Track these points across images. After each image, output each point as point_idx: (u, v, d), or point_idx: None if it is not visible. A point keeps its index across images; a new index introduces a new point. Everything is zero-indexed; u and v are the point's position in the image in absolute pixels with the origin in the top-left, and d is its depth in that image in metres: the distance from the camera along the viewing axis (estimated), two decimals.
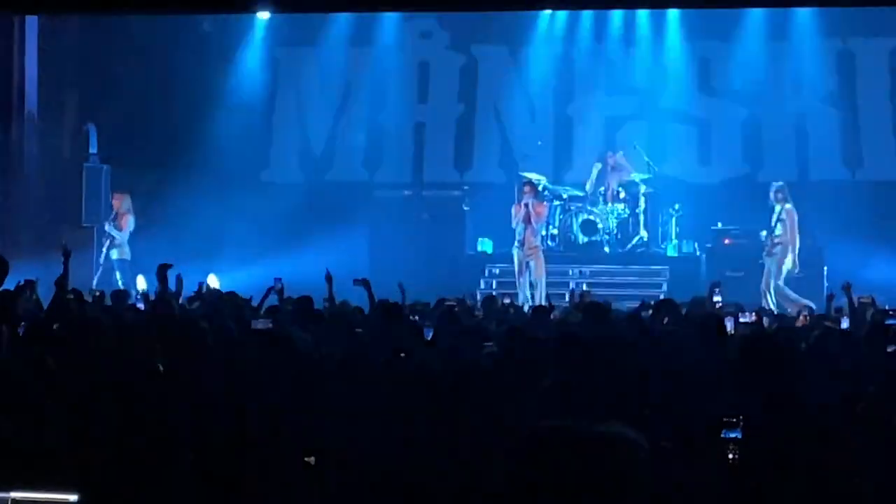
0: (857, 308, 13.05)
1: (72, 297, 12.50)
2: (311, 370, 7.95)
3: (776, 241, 20.19)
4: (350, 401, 7.33)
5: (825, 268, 21.47)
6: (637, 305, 14.81)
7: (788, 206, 20.33)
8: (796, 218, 20.35)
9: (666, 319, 12.05)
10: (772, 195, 20.43)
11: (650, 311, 13.97)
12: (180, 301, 13.25)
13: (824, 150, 22.94)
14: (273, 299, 13.65)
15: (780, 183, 20.70)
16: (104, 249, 21.55)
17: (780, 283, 20.01)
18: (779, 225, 20.19)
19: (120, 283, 20.81)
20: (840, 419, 6.73)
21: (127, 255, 21.71)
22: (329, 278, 13.58)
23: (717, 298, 15.31)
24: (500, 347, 9.03)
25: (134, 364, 7.31)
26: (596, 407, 6.91)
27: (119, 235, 21.62)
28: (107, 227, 21.70)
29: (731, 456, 6.35)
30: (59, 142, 23.59)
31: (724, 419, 6.36)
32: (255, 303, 13.65)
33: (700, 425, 6.70)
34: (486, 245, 23.26)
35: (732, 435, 6.36)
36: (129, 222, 21.83)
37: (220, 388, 7.02)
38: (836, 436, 6.41)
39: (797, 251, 20.31)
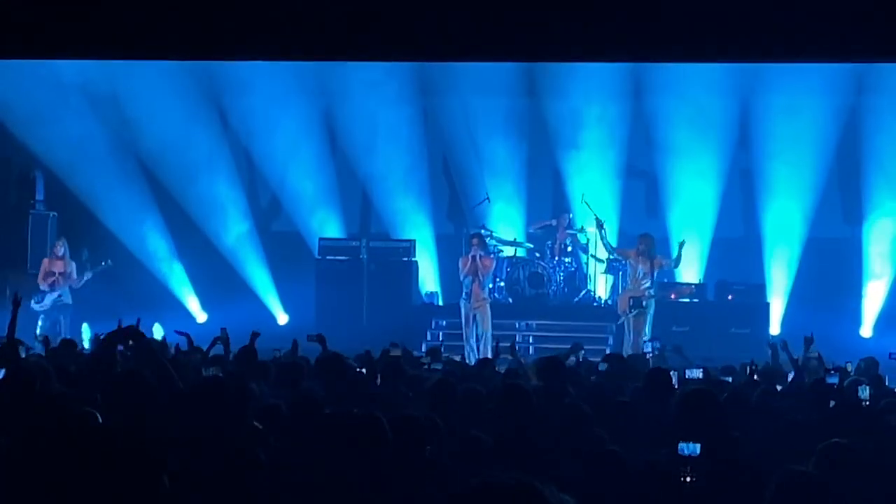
0: (802, 364, 13.15)
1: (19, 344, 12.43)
2: (256, 420, 7.90)
3: (651, 293, 20.03)
4: (293, 452, 7.29)
5: (769, 324, 21.66)
6: (569, 348, 15.01)
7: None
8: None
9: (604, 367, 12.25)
10: (643, 246, 20.18)
11: (581, 354, 14.25)
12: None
13: (769, 207, 23.08)
14: (218, 349, 13.60)
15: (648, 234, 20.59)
16: (55, 297, 21.34)
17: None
18: (648, 278, 20.02)
19: (61, 326, 20.67)
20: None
21: (69, 300, 21.61)
22: (320, 339, 13.44)
23: (649, 349, 15.47)
24: (432, 400, 9.00)
25: (73, 413, 7.23)
26: (537, 458, 6.91)
27: (65, 290, 21.50)
28: (60, 288, 21.54)
29: (687, 479, 6.35)
30: (5, 189, 23.47)
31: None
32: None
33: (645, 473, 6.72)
34: (434, 297, 23.40)
35: (688, 453, 6.36)
36: (73, 267, 21.73)
37: (159, 439, 6.96)
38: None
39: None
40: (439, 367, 13.45)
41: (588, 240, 22.55)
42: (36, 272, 21.96)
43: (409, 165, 24.01)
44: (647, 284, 19.89)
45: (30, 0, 14.70)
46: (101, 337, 10.89)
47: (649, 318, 19.81)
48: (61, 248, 21.70)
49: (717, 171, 23.13)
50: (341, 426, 7.32)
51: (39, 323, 21.00)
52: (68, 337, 17.59)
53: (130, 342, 9.19)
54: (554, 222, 22.74)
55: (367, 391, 10.03)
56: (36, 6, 14.69)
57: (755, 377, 12.25)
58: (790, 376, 12.41)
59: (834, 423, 8.32)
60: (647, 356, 14.90)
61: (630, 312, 19.79)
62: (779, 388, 10.94)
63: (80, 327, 20.91)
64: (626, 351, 18.82)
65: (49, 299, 21.36)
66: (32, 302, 21.10)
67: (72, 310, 21.66)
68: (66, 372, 10.45)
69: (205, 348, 13.69)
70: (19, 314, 11.88)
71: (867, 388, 9.87)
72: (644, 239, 20.23)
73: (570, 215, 22.88)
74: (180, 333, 14.33)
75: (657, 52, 16.80)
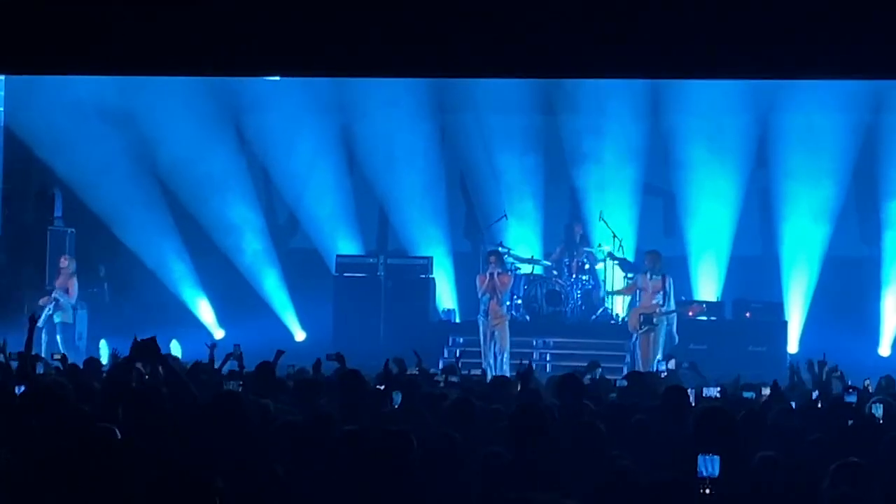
0: (825, 382, 13.11)
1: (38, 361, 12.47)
2: (271, 437, 7.90)
3: (662, 309, 19.93)
4: (309, 469, 7.29)
5: (787, 343, 21.58)
6: (586, 366, 14.98)
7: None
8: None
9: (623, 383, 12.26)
10: (648, 263, 20.18)
11: (598, 372, 14.22)
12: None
13: (787, 225, 23.01)
14: (232, 365, 13.60)
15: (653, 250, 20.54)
16: (49, 313, 21.28)
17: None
18: (659, 294, 19.93)
19: (61, 346, 20.56)
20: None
21: (70, 319, 21.54)
22: (339, 358, 13.44)
23: (662, 368, 15.43)
24: (451, 417, 8.98)
25: (91, 430, 7.24)
26: (553, 475, 6.90)
27: (64, 299, 21.44)
28: (55, 293, 21.50)
29: (705, 491, 6.34)
30: (23, 205, 23.53)
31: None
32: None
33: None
34: (451, 314, 23.38)
35: (707, 475, 6.35)
36: (74, 286, 21.68)
37: (177, 456, 6.97)
38: None
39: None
40: (456, 379, 13.44)
41: (605, 256, 22.49)
42: (52, 288, 21.98)
43: (427, 182, 24.00)
44: (658, 300, 19.84)
45: (47, 16, 14.75)
46: (119, 356, 10.92)
47: (661, 337, 19.73)
48: (65, 262, 21.78)
49: (735, 189, 23.06)
50: (367, 443, 7.31)
51: (42, 343, 20.88)
52: (63, 353, 17.50)
53: (148, 363, 9.20)
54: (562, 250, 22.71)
55: (384, 409, 10.02)
56: (52, 22, 14.74)
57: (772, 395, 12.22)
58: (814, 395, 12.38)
59: (851, 441, 8.28)
60: (661, 375, 14.86)
61: (640, 330, 19.76)
62: (792, 403, 10.90)
63: (98, 345, 20.94)
64: (638, 369, 18.79)
65: (44, 314, 21.34)
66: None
67: (73, 329, 21.59)
68: (90, 389, 10.44)
69: (217, 364, 13.70)
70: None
71: (881, 406, 9.84)
72: (649, 256, 20.21)
73: (580, 229, 22.82)
74: (209, 346, 14.31)
75: (674, 69, 16.77)
